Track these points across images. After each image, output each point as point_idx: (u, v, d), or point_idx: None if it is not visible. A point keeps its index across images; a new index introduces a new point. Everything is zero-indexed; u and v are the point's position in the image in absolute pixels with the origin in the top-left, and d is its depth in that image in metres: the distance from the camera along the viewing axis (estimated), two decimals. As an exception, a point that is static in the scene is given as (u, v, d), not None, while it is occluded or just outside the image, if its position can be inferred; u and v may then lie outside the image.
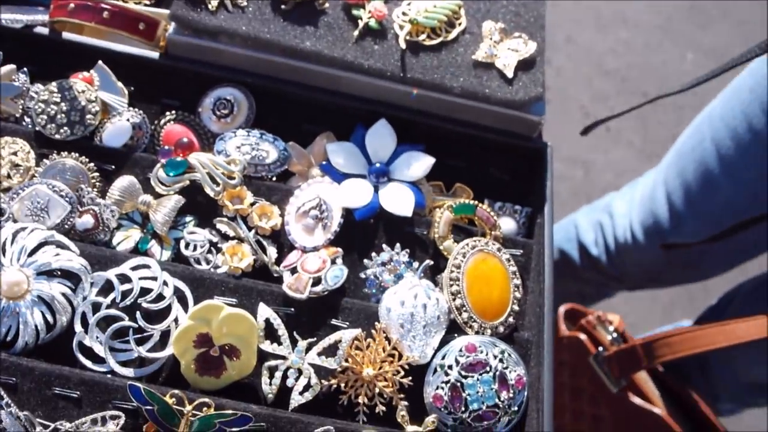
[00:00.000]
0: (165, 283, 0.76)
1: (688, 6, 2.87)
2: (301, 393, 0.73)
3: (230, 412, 0.69)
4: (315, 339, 0.75)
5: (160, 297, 0.75)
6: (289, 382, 0.73)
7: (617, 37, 2.77)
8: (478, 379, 0.74)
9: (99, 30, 0.90)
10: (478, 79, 0.93)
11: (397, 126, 0.91)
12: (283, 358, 0.74)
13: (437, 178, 0.92)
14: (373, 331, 0.76)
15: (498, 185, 0.96)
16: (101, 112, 0.87)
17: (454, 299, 0.79)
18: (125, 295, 0.75)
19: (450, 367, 0.75)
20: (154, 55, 0.92)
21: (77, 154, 0.84)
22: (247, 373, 0.74)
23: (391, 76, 0.91)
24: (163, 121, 0.91)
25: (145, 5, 0.97)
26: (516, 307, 0.82)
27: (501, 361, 0.76)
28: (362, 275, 0.81)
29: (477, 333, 0.78)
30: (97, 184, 0.84)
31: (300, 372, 0.74)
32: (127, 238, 0.81)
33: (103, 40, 0.92)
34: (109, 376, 0.72)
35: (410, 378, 0.74)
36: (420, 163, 0.89)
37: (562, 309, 1.31)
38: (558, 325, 1.29)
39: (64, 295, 0.74)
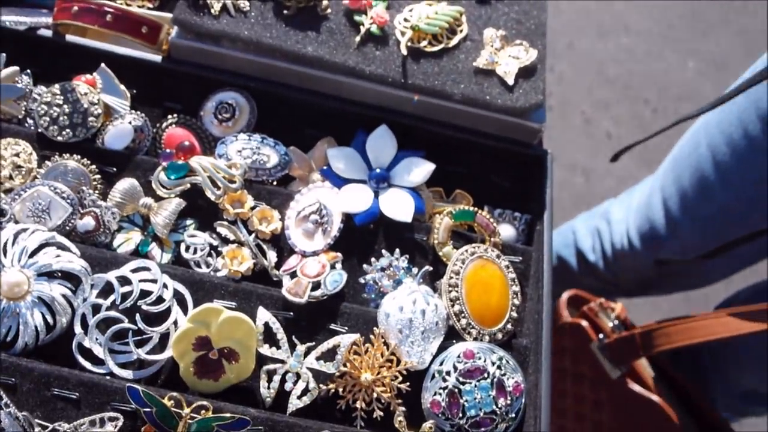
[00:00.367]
0: (165, 286, 0.76)
1: (690, 14, 2.88)
2: (299, 397, 0.73)
3: (228, 415, 0.70)
4: (314, 343, 0.75)
5: (159, 299, 0.75)
6: (288, 386, 0.74)
7: (619, 44, 2.77)
8: (475, 386, 0.75)
9: (102, 33, 0.91)
10: (479, 86, 0.93)
11: (397, 132, 0.91)
12: (282, 362, 0.74)
13: (437, 184, 0.92)
14: (371, 337, 0.76)
15: (498, 192, 0.96)
16: (103, 115, 0.87)
17: (452, 305, 0.79)
18: (125, 297, 0.75)
19: (448, 373, 0.75)
20: (157, 58, 0.93)
21: (79, 156, 0.84)
22: (245, 376, 0.74)
23: (393, 82, 0.92)
24: (164, 124, 0.91)
25: (148, 9, 0.98)
26: (514, 314, 0.82)
27: (499, 367, 0.76)
28: (361, 280, 0.82)
29: (475, 339, 0.78)
30: (99, 186, 0.84)
31: (298, 376, 0.74)
32: (127, 241, 0.82)
33: (106, 43, 0.93)
34: (108, 377, 0.72)
35: (408, 383, 0.74)
36: (420, 169, 0.89)
37: (565, 295, 1.31)
38: (560, 312, 1.30)
39: (64, 296, 0.74)
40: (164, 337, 0.75)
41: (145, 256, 0.81)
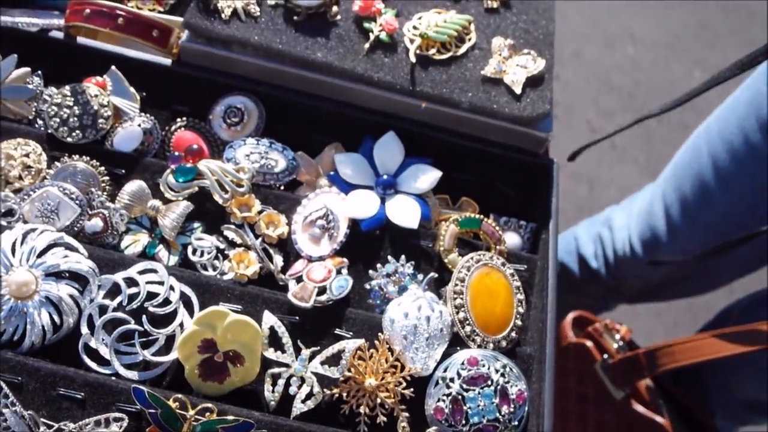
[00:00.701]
0: (171, 288, 0.77)
1: (696, 24, 2.88)
2: (303, 401, 0.73)
3: (232, 418, 0.70)
4: (318, 348, 0.76)
5: (166, 301, 0.76)
6: (292, 390, 0.74)
7: (624, 53, 2.78)
8: (479, 393, 0.75)
9: (113, 36, 0.92)
10: (487, 94, 0.94)
11: (405, 138, 0.92)
12: (287, 366, 0.75)
13: (443, 191, 0.93)
14: (376, 342, 0.76)
15: (504, 200, 0.97)
16: (113, 117, 0.88)
17: (457, 312, 0.79)
18: (132, 298, 0.75)
19: (452, 379, 0.75)
20: (167, 62, 0.94)
21: (88, 158, 0.85)
22: (250, 379, 0.75)
23: (401, 89, 0.92)
24: (173, 128, 0.92)
25: (159, 12, 0.98)
26: (519, 322, 0.82)
27: (503, 375, 0.76)
28: (367, 286, 0.82)
29: (479, 347, 0.78)
30: (107, 187, 0.84)
31: (303, 380, 0.74)
32: (135, 242, 0.82)
33: (116, 46, 0.93)
34: (113, 378, 0.72)
35: (412, 389, 0.75)
36: (427, 176, 0.89)
37: (570, 316, 1.32)
38: (565, 332, 1.30)
39: (71, 296, 0.74)
40: (170, 339, 0.75)
41: (153, 258, 0.81)
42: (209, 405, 0.70)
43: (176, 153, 0.87)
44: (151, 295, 0.76)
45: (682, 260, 1.27)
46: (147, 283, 0.76)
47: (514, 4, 1.03)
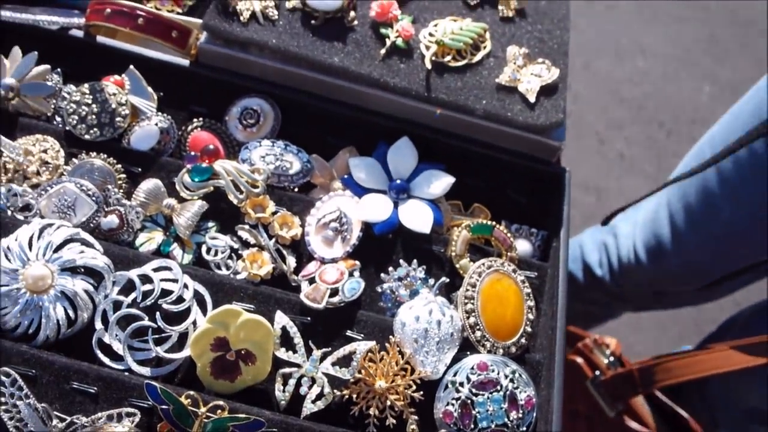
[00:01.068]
0: (185, 286, 0.77)
1: (707, 38, 2.89)
2: (313, 401, 0.74)
3: (243, 416, 0.70)
4: (330, 349, 0.76)
5: (180, 299, 0.76)
6: (303, 390, 0.74)
7: (635, 66, 2.79)
8: (488, 398, 0.75)
9: (131, 36, 0.93)
10: (501, 102, 0.94)
11: (419, 144, 0.92)
12: (298, 366, 0.75)
13: (456, 197, 0.93)
14: (387, 345, 0.77)
15: (515, 207, 0.97)
16: (130, 116, 0.89)
17: (468, 317, 0.80)
18: (146, 295, 0.76)
19: (461, 384, 0.76)
20: (185, 62, 0.94)
21: (105, 155, 0.86)
22: (261, 378, 0.75)
23: (416, 95, 0.93)
24: (190, 128, 0.93)
25: (177, 13, 0.99)
26: (529, 329, 0.83)
27: (512, 381, 0.76)
28: (378, 289, 0.83)
29: (489, 352, 0.79)
30: (123, 185, 0.85)
31: (313, 381, 0.75)
32: (150, 240, 0.83)
33: (135, 46, 0.94)
34: (126, 374, 0.73)
35: (421, 393, 0.75)
36: (440, 182, 0.90)
37: None
38: None
39: (86, 291, 0.75)
40: (183, 337, 0.76)
41: (167, 256, 0.82)
42: (221, 403, 0.71)
43: (192, 153, 0.87)
44: (165, 293, 0.76)
45: (686, 290, 1.27)
46: (161, 280, 0.77)
47: (530, 14, 1.04)
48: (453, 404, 0.75)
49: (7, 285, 0.73)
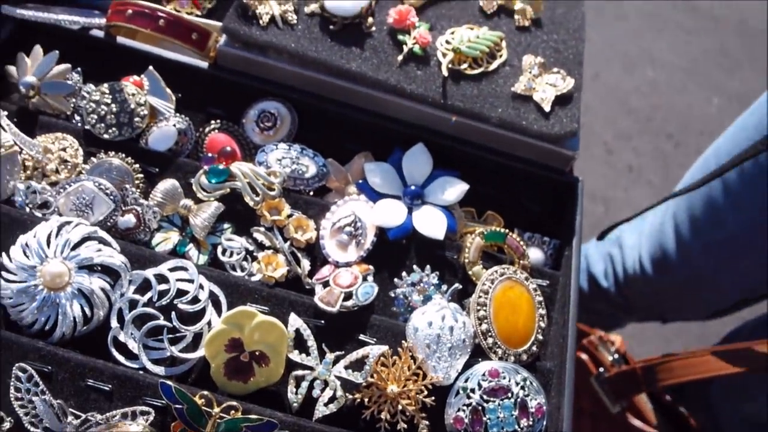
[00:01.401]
0: (201, 287, 0.78)
1: (716, 50, 2.89)
2: (325, 404, 0.74)
3: (256, 417, 0.71)
4: (342, 352, 0.76)
5: (195, 299, 0.77)
6: (315, 392, 0.75)
7: (644, 77, 2.79)
8: (499, 405, 0.76)
9: (152, 36, 0.93)
10: (516, 110, 0.95)
11: (434, 151, 0.93)
12: (311, 368, 0.76)
13: (470, 204, 0.94)
14: (399, 350, 0.77)
15: (528, 216, 0.98)
16: (149, 116, 0.90)
17: (480, 324, 0.80)
18: (162, 294, 0.77)
19: (473, 390, 0.76)
20: (204, 64, 0.95)
21: (123, 155, 0.86)
22: (274, 380, 0.76)
23: (432, 102, 0.94)
24: (207, 129, 0.93)
25: (197, 16, 1.00)
26: (540, 337, 0.83)
27: (523, 388, 0.77)
28: (392, 294, 0.83)
29: (501, 359, 0.79)
30: (141, 185, 0.86)
31: (326, 384, 0.75)
32: (166, 240, 0.83)
33: (154, 47, 0.95)
34: (140, 372, 0.74)
35: (433, 398, 0.76)
36: (454, 189, 0.91)
37: None
38: None
39: (103, 290, 0.76)
40: (197, 337, 0.76)
41: (183, 257, 0.82)
42: (234, 403, 0.71)
43: (209, 154, 0.88)
44: (180, 293, 0.77)
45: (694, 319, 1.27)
46: (177, 280, 0.77)
47: (545, 24, 1.04)
48: (464, 410, 0.75)
49: (25, 281, 0.74)
